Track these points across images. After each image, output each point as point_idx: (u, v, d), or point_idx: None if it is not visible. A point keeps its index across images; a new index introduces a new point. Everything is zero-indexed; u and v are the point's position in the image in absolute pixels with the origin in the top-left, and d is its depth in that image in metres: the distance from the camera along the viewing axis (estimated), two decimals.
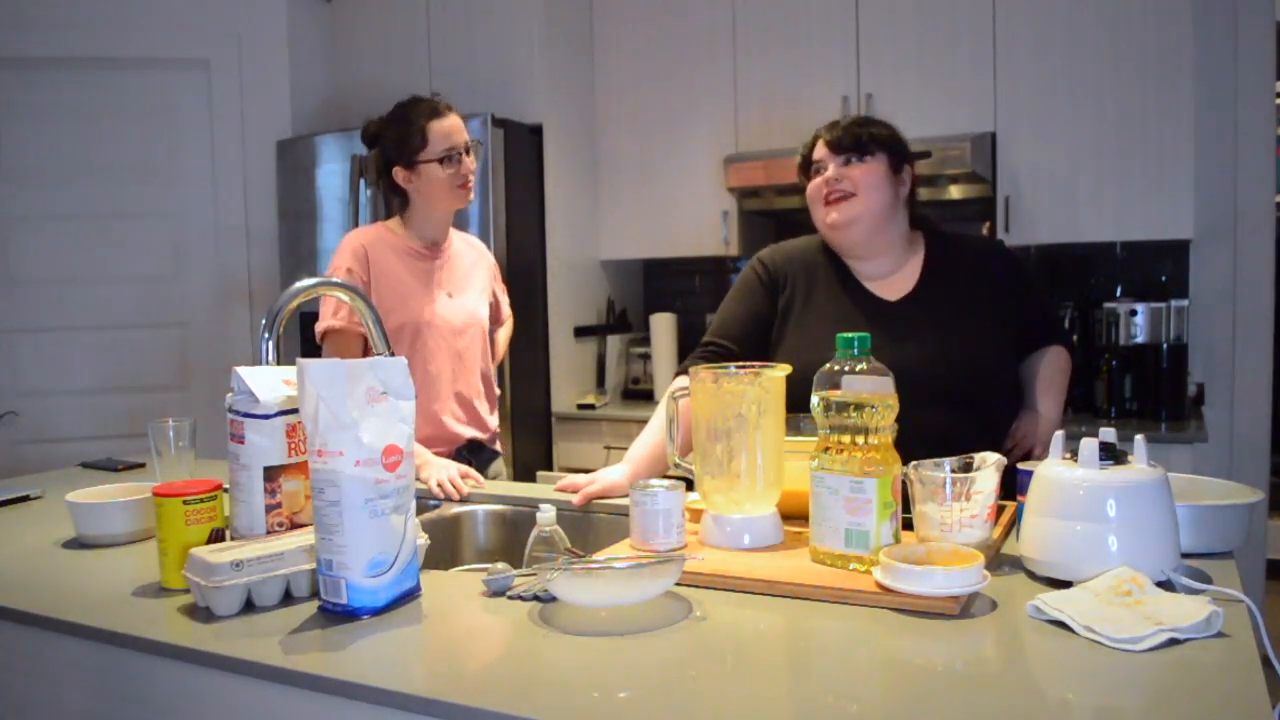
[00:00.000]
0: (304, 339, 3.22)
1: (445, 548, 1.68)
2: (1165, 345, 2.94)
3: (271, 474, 1.28)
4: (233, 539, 1.27)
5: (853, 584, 1.15)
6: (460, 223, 2.43)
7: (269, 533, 1.28)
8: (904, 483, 1.25)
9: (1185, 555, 1.20)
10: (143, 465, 2.12)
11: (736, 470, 1.31)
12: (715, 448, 1.33)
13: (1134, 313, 2.97)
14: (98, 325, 3.51)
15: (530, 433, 3.43)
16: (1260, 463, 3.10)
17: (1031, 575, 1.20)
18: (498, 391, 2.27)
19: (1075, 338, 3.07)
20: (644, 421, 1.76)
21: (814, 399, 1.25)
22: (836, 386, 1.24)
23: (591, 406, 3.53)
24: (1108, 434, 1.20)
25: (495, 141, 3.22)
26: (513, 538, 1.72)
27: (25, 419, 3.44)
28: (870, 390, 1.22)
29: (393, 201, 2.14)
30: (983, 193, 3.20)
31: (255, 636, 1.08)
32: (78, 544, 1.50)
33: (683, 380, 1.61)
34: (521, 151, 3.39)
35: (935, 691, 0.90)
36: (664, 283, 4.06)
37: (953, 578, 1.08)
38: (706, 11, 3.49)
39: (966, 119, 3.09)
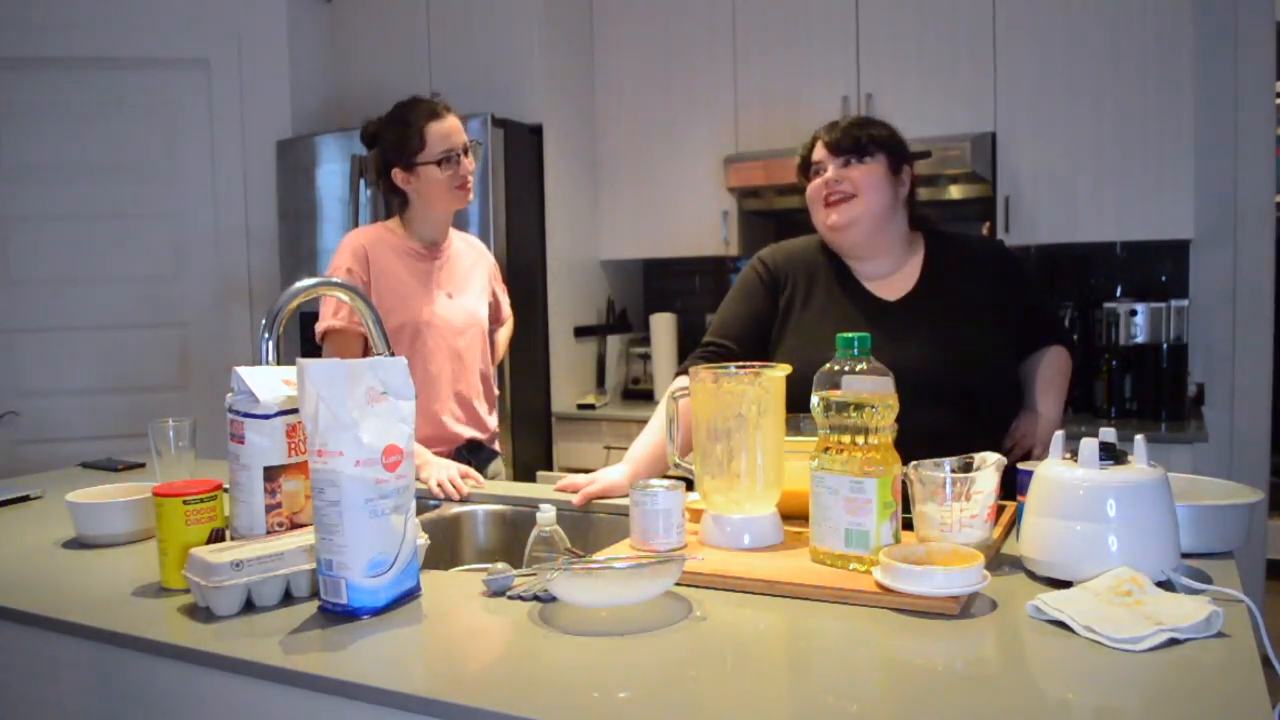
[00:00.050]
0: (304, 339, 3.22)
1: (445, 548, 1.68)
2: (1165, 345, 2.93)
3: (271, 474, 1.28)
4: (233, 539, 1.27)
5: (853, 584, 1.15)
6: (460, 223, 2.43)
7: (269, 533, 1.28)
8: (904, 483, 1.25)
9: (1185, 555, 1.20)
10: (143, 465, 2.12)
11: (736, 470, 1.31)
12: (715, 448, 1.33)
13: (1134, 313, 2.97)
14: (98, 325, 3.51)
15: (530, 433, 3.43)
16: (1260, 463, 3.10)
17: (1031, 575, 1.20)
18: (497, 392, 2.27)
19: (1075, 338, 3.07)
20: (644, 421, 1.76)
21: (814, 399, 1.25)
22: (836, 386, 1.24)
23: (591, 406, 3.53)
24: (1108, 434, 1.20)
25: (495, 141, 3.22)
26: (513, 538, 1.72)
27: (25, 419, 3.44)
28: (870, 390, 1.22)
29: (392, 202, 2.14)
30: (983, 193, 3.20)
31: (255, 636, 1.08)
32: (78, 544, 1.50)
33: (683, 380, 1.61)
34: (521, 151, 3.39)
35: (935, 691, 0.90)
36: (664, 283, 4.06)
37: (953, 578, 1.08)
38: (706, 11, 3.49)
39: (966, 119, 3.09)
